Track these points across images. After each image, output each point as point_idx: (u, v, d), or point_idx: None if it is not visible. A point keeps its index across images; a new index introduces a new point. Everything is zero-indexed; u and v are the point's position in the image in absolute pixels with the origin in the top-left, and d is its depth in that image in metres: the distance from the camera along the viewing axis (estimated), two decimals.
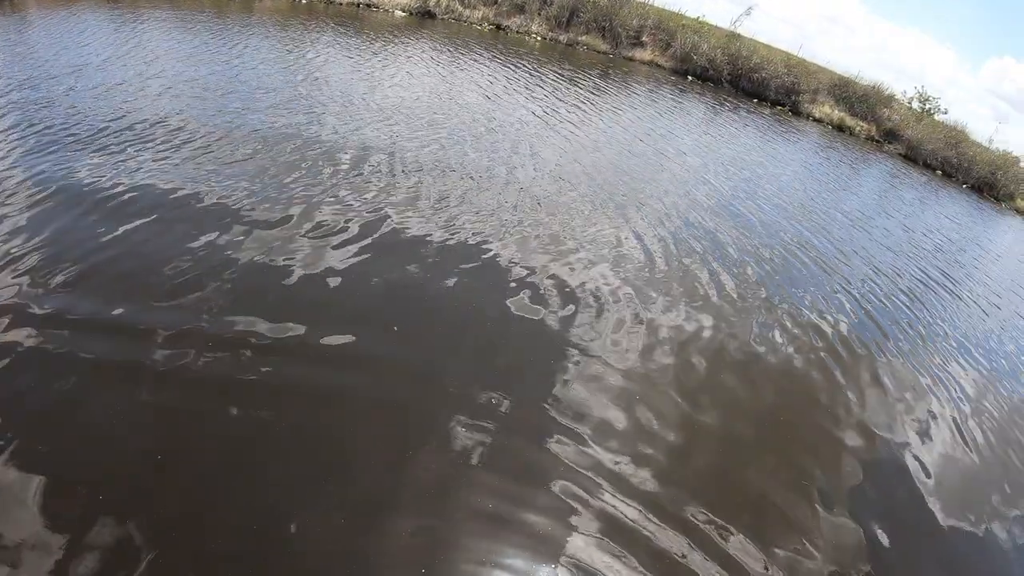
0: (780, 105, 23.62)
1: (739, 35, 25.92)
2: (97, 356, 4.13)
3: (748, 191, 11.08)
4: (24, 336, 4.23)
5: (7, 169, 6.74)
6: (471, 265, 5.98)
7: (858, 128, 24.27)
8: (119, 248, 5.27)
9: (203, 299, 4.76)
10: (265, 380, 4.12)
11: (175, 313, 4.57)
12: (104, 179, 6.37)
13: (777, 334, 6.35)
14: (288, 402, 4.01)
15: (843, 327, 6.99)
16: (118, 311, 4.57)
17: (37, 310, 4.46)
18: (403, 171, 7.77)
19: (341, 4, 25.11)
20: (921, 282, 9.58)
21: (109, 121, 8.14)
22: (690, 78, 23.39)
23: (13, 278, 4.76)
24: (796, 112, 23.59)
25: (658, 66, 23.89)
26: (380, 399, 4.18)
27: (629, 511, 3.82)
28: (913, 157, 23.80)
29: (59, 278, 4.78)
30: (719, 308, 6.43)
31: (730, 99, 21.81)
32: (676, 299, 6.35)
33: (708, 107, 19.29)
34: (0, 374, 3.96)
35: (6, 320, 4.37)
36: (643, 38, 23.96)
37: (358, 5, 25.03)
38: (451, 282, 5.63)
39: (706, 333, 5.94)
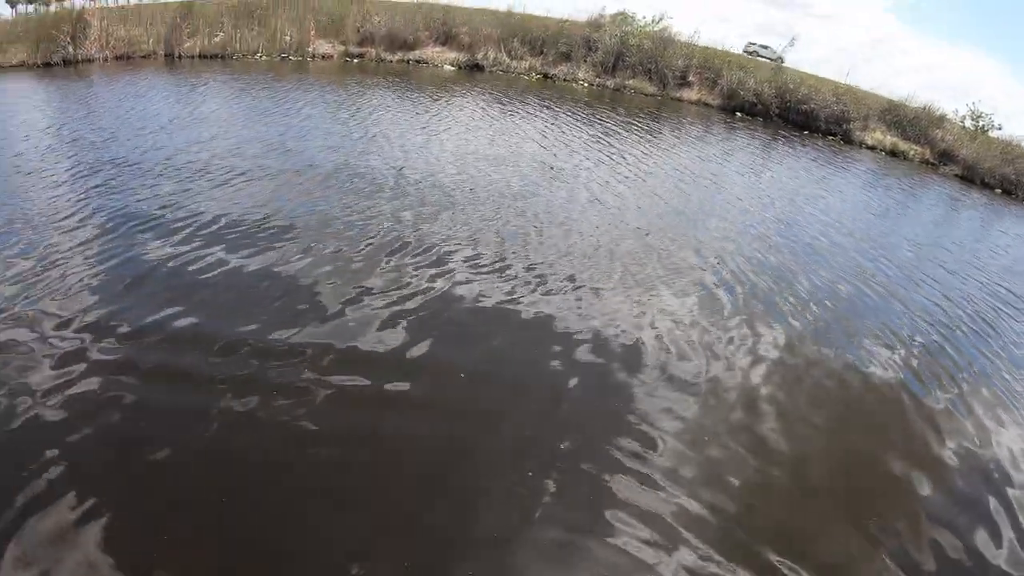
0: (831, 135, 24.26)
1: (785, 67, 26.63)
2: (172, 396, 4.76)
3: (811, 224, 11.69)
4: (105, 376, 4.89)
5: (90, 227, 7.74)
6: (542, 311, 6.48)
7: (912, 152, 24.66)
8: (197, 302, 6.05)
9: (272, 349, 5.37)
10: (327, 424, 4.56)
11: (242, 359, 5.21)
12: (182, 243, 7.27)
13: (852, 370, 6.58)
14: (355, 443, 4.46)
15: (918, 358, 7.22)
16: (194, 352, 5.26)
17: (121, 351, 5.22)
18: (475, 224, 8.53)
19: (391, 62, 26.56)
20: (994, 307, 9.86)
21: (185, 183, 9.29)
22: (739, 114, 24.39)
23: (100, 324, 5.56)
24: (848, 140, 24.14)
25: (706, 104, 24.94)
26: (447, 442, 4.58)
27: (703, 554, 3.99)
28: (970, 177, 23.99)
29: (139, 324, 5.59)
30: (793, 347, 6.77)
31: (782, 132, 22.64)
32: (749, 340, 6.68)
33: (762, 142, 20.16)
34: (78, 408, 4.54)
35: (88, 362, 5.06)
36: (689, 77, 25.07)
37: (407, 62, 26.45)
38: (522, 329, 6.14)
39: (779, 372, 6.21)
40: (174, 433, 4.42)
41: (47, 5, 48.26)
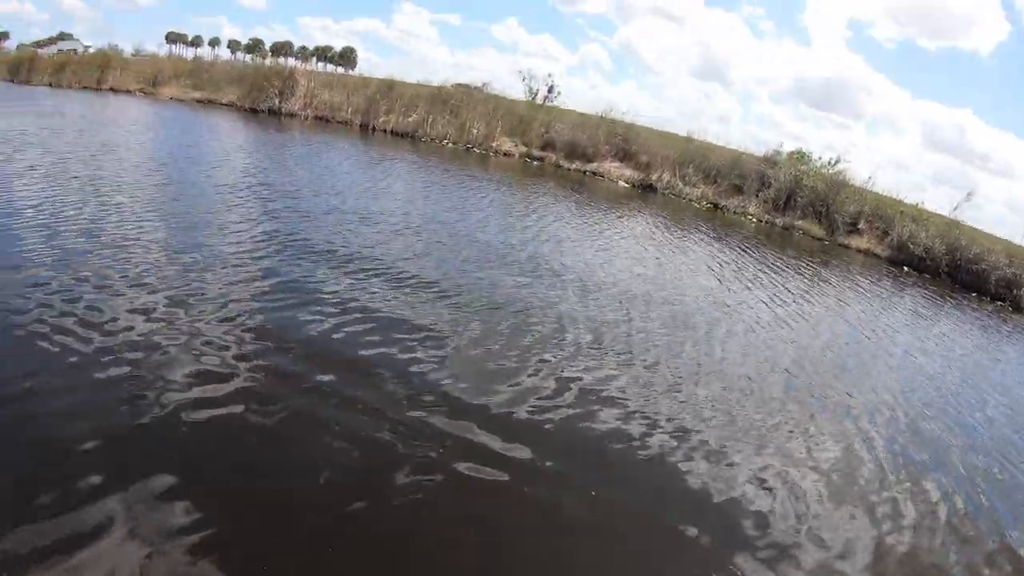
0: (1001, 300, 24.22)
1: (959, 223, 26.89)
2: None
3: (976, 396, 11.37)
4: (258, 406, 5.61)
5: (272, 266, 9.10)
6: (688, 446, 6.53)
7: None
8: (354, 350, 6.92)
9: (416, 421, 5.84)
10: (468, 497, 4.95)
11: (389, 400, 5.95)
12: (345, 294, 8.44)
13: (1011, 554, 6.37)
14: (498, 518, 4.84)
15: None
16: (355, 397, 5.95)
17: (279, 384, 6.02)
18: (641, 346, 8.94)
19: (569, 170, 28.68)
20: None
21: (361, 247, 10.74)
22: (906, 268, 24.81)
23: (259, 348, 6.51)
24: (1018, 308, 23.88)
25: (874, 255, 25.59)
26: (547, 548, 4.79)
27: None
28: None
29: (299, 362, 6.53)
30: (952, 524, 6.61)
31: (950, 293, 22.86)
32: (907, 505, 6.63)
33: (930, 301, 20.55)
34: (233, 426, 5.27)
35: (248, 394, 5.79)
36: (860, 225, 25.81)
37: (584, 172, 28.42)
38: (660, 461, 6.18)
39: (937, 545, 6.12)
40: (298, 455, 5.08)
41: (263, 58, 55.20)
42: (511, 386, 6.91)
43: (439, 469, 5.20)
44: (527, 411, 6.46)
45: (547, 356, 7.89)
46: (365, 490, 4.82)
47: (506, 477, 5.28)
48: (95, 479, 4.39)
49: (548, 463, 5.63)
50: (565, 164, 29.28)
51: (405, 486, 4.92)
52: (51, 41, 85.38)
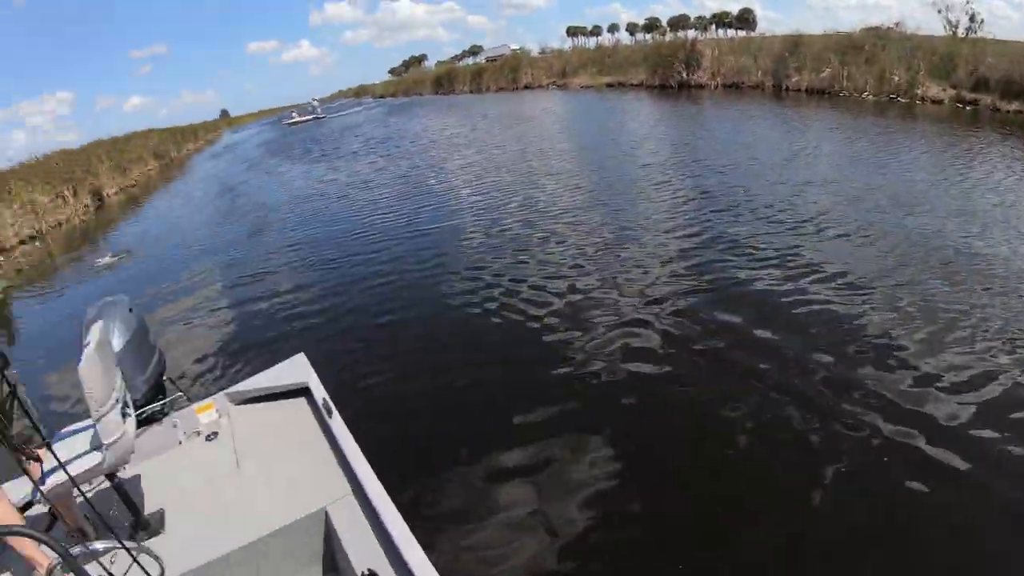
0: None
1: None
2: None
3: None
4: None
5: (705, 245, 9.40)
6: None
7: None
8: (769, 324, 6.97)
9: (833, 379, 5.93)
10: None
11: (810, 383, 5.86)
12: (779, 274, 8.33)
13: None
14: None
15: None
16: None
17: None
18: None
19: (1009, 112, 25.25)
20: None
21: (794, 224, 10.41)
22: None
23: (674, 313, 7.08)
24: None
25: None
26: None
27: None
28: None
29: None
30: None
31: None
32: None
33: None
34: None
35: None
36: None
37: None
38: None
39: None
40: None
41: (663, 35, 59.17)
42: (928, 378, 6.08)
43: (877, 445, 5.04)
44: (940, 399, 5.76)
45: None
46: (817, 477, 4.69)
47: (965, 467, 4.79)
48: (527, 433, 4.97)
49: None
50: (1003, 107, 27.10)
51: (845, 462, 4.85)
52: (464, 55, 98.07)
